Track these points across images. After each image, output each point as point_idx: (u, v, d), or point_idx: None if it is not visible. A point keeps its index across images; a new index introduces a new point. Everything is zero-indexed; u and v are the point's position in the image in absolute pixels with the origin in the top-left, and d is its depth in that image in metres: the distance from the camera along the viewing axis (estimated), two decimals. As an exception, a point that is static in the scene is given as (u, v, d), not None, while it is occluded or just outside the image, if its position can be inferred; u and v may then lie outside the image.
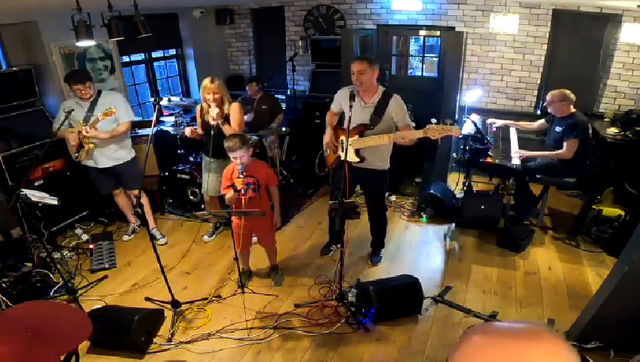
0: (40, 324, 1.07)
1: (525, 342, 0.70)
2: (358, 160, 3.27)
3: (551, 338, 0.71)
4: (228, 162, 3.76)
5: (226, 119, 3.58)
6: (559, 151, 3.91)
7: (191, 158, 4.74)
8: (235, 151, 2.95)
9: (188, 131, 3.78)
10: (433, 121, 3.26)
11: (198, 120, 3.77)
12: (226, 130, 3.54)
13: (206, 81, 3.54)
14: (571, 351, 0.70)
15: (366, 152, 3.26)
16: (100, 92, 3.70)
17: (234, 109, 3.61)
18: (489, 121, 4.52)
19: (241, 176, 2.97)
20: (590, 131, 3.91)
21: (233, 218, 3.23)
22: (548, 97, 3.96)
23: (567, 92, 3.84)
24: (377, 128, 3.18)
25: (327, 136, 3.50)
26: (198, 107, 3.76)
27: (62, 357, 1.09)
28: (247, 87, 5.14)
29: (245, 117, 4.32)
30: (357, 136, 3.20)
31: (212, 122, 3.53)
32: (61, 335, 1.09)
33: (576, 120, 3.81)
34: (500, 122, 4.47)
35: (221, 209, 3.97)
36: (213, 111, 3.48)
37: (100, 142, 3.66)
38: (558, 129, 3.91)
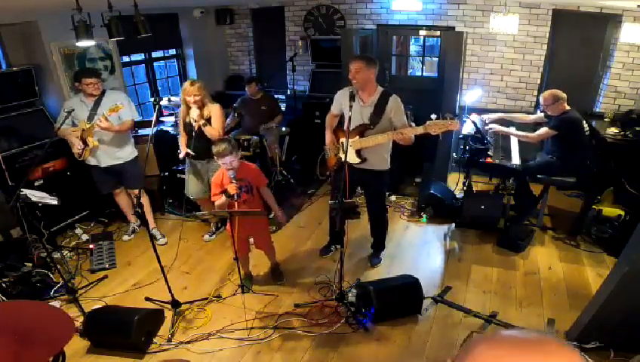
0: (26, 326, 1.01)
1: (537, 355, 0.66)
2: (360, 160, 3.27)
3: (566, 352, 0.66)
4: (212, 164, 3.77)
5: (209, 121, 3.60)
6: (530, 134, 4.04)
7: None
8: (225, 156, 2.86)
9: (182, 154, 3.81)
10: (433, 116, 3.22)
11: (181, 122, 3.80)
12: (208, 130, 3.57)
13: (186, 84, 3.58)
14: None
15: (367, 153, 3.26)
16: (104, 91, 3.71)
17: (215, 111, 3.63)
18: (484, 116, 4.50)
19: (234, 181, 2.89)
20: (586, 129, 3.91)
21: (228, 224, 3.20)
22: (541, 100, 3.99)
23: (557, 91, 3.88)
24: (377, 128, 3.17)
25: (328, 138, 3.49)
26: (181, 110, 3.78)
27: (50, 359, 1.02)
28: (246, 88, 5.14)
29: (227, 119, 4.33)
30: (357, 137, 3.20)
31: (194, 123, 3.56)
32: (48, 337, 1.03)
33: (564, 117, 3.85)
34: (495, 116, 4.46)
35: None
36: (194, 113, 3.52)
37: (103, 139, 3.67)
38: (550, 124, 3.94)
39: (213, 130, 3.58)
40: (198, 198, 4.04)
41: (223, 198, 2.96)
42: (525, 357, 0.66)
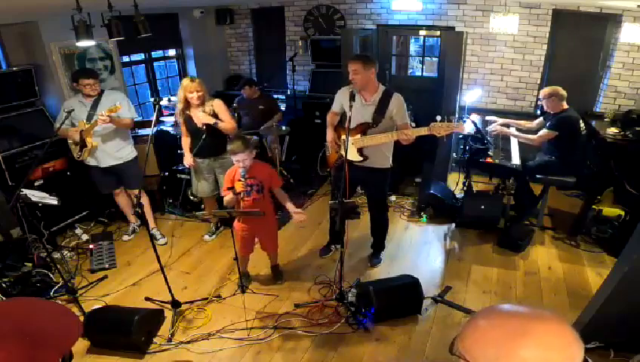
0: (35, 327, 0.98)
1: (527, 321, 0.70)
2: (362, 158, 3.26)
3: (555, 320, 0.70)
4: (219, 161, 3.77)
5: (217, 117, 3.59)
6: (532, 136, 4.02)
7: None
8: (238, 154, 2.91)
9: (188, 163, 3.77)
10: (438, 118, 3.24)
11: (182, 121, 3.72)
12: (222, 126, 3.55)
13: (186, 81, 3.55)
14: (575, 336, 0.69)
15: (369, 151, 3.26)
16: (102, 91, 3.71)
17: (218, 105, 3.62)
18: (488, 118, 4.51)
19: (242, 179, 2.94)
20: (583, 129, 3.91)
21: (235, 221, 3.21)
22: (540, 95, 4.01)
23: (558, 88, 3.88)
24: (380, 127, 3.18)
25: (330, 136, 3.48)
26: (178, 110, 3.72)
27: (60, 360, 0.99)
28: (241, 90, 5.15)
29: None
30: (359, 135, 3.19)
31: (200, 123, 3.54)
32: (57, 336, 1.00)
33: (562, 116, 3.85)
34: (500, 120, 4.47)
35: (220, 209, 3.97)
36: (202, 116, 3.50)
37: (103, 139, 3.67)
38: (549, 125, 3.94)
39: (227, 125, 3.56)
40: (206, 198, 4.03)
41: (231, 194, 3.01)
42: (520, 325, 0.70)
